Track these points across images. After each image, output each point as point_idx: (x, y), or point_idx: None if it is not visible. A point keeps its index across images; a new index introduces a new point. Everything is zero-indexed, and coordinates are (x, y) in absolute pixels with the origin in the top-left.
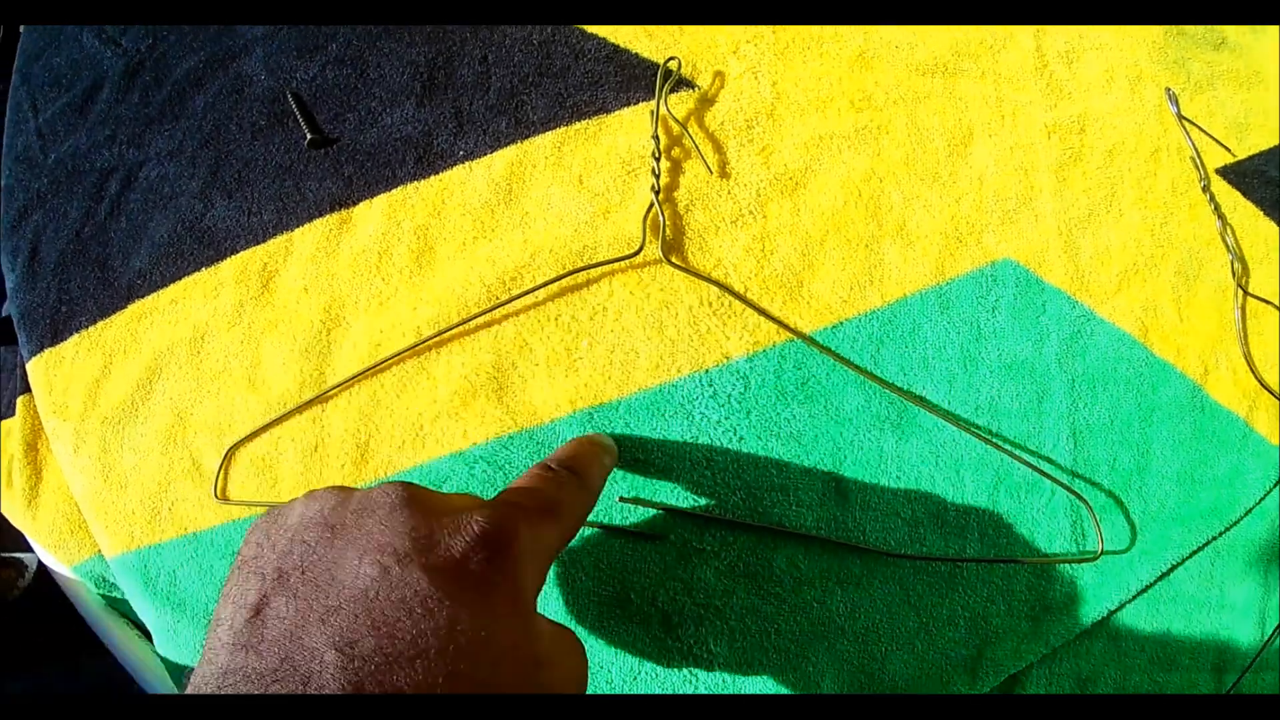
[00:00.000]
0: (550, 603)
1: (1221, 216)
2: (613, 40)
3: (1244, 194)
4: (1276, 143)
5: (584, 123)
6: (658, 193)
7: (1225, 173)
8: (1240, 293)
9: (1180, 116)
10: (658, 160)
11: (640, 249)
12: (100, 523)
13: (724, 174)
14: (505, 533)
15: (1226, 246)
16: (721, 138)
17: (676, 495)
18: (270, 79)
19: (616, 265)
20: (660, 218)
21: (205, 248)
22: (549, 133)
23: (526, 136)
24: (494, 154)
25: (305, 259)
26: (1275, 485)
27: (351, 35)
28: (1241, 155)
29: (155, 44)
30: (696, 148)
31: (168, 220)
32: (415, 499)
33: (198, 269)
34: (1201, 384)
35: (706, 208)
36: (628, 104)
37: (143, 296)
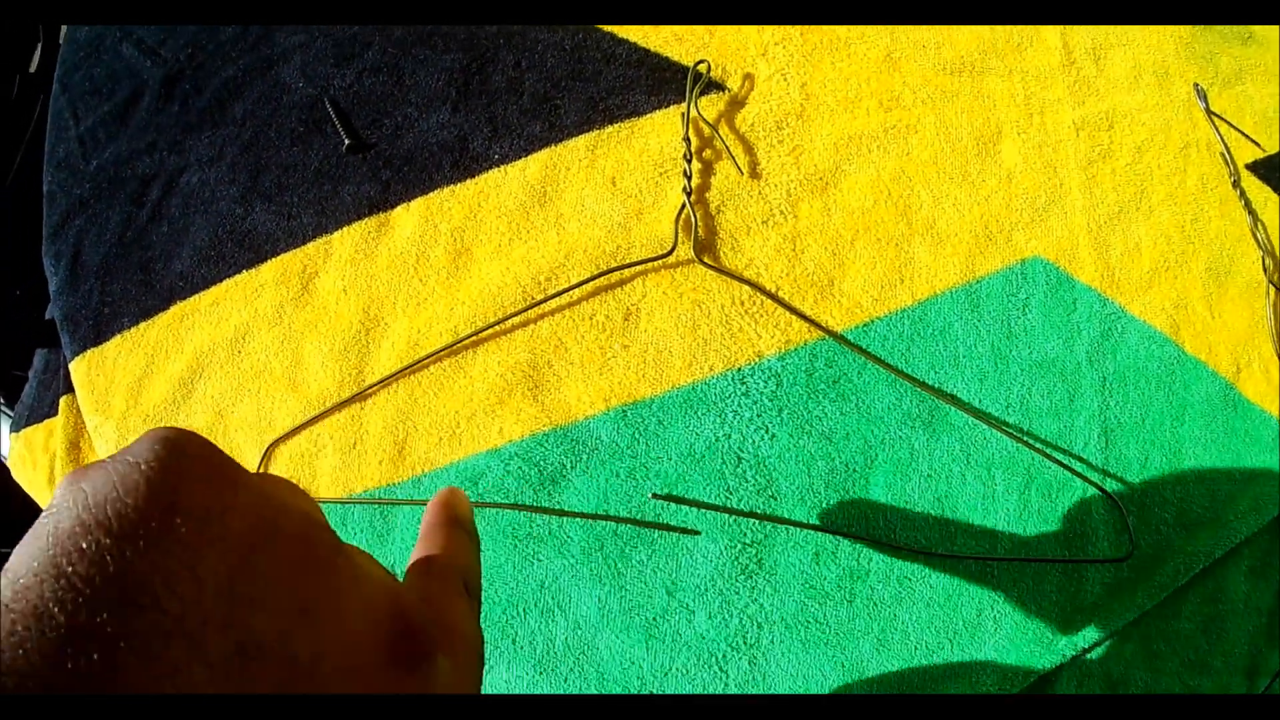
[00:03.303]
0: (585, 600)
1: (1252, 212)
2: (643, 44)
3: (1275, 189)
4: None
5: (616, 126)
6: (689, 194)
7: (1255, 168)
8: (1272, 289)
9: (1209, 112)
10: (689, 161)
11: (673, 249)
12: None
13: (755, 174)
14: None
15: (1257, 243)
16: (752, 139)
17: (709, 491)
18: (308, 86)
19: (649, 265)
20: (692, 218)
21: (245, 251)
22: (582, 135)
23: (560, 140)
24: (528, 157)
25: (344, 261)
26: None
27: (387, 43)
28: (1272, 150)
29: (195, 53)
30: (727, 149)
31: (208, 224)
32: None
33: (238, 271)
34: (1234, 382)
35: (737, 208)
36: (659, 107)
37: (184, 298)
